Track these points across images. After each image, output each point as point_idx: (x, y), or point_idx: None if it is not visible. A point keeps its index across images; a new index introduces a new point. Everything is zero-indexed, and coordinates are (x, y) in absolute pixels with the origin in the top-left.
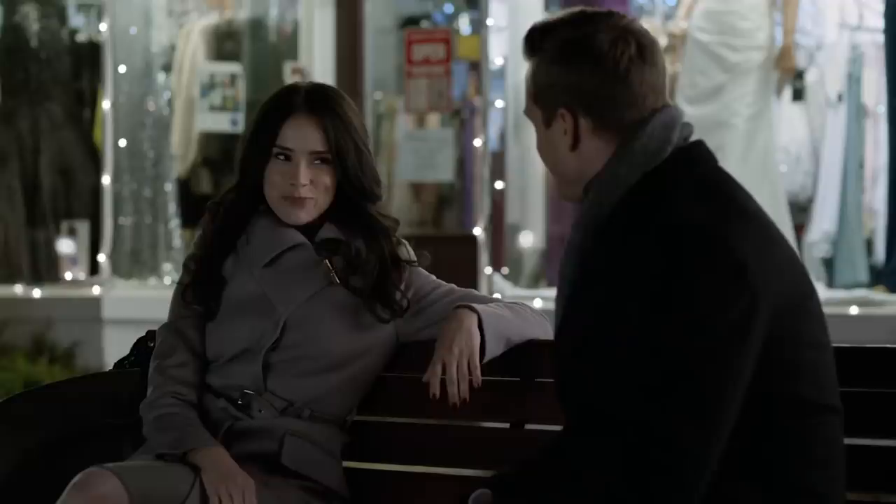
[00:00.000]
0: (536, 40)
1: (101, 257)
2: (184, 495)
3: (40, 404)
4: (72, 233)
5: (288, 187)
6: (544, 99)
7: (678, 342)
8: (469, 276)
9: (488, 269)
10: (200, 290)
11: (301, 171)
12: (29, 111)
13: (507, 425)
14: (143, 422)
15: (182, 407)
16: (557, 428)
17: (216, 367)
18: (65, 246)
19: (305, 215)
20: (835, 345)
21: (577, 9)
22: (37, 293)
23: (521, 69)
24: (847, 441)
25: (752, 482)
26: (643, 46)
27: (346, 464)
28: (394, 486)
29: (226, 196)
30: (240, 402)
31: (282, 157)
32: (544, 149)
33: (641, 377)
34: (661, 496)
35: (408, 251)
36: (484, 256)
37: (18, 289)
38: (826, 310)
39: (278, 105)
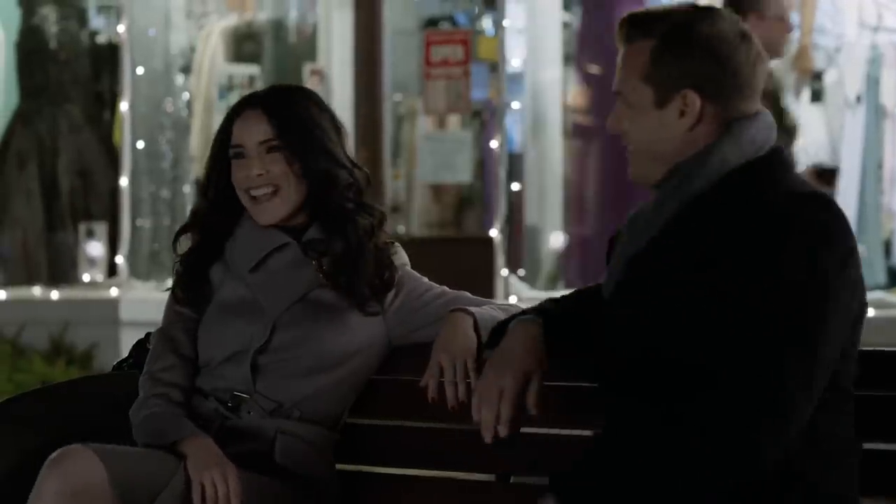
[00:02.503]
0: (659, 26)
1: (119, 259)
2: (167, 480)
3: (39, 405)
4: (90, 235)
5: (246, 181)
6: (663, 79)
7: (788, 303)
8: (486, 278)
9: (504, 271)
10: (190, 293)
11: (253, 163)
12: (48, 113)
13: None
14: (132, 425)
15: (168, 405)
16: (552, 431)
17: (207, 371)
18: (92, 248)
19: (271, 216)
20: None
21: (687, 3)
22: (55, 295)
23: (540, 71)
24: (871, 446)
25: (812, 451)
26: (760, 48)
27: (338, 466)
28: (387, 489)
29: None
30: (229, 405)
31: (240, 157)
32: (644, 127)
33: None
34: (768, 434)
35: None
36: (500, 258)
37: (36, 290)
38: None
39: (231, 110)
